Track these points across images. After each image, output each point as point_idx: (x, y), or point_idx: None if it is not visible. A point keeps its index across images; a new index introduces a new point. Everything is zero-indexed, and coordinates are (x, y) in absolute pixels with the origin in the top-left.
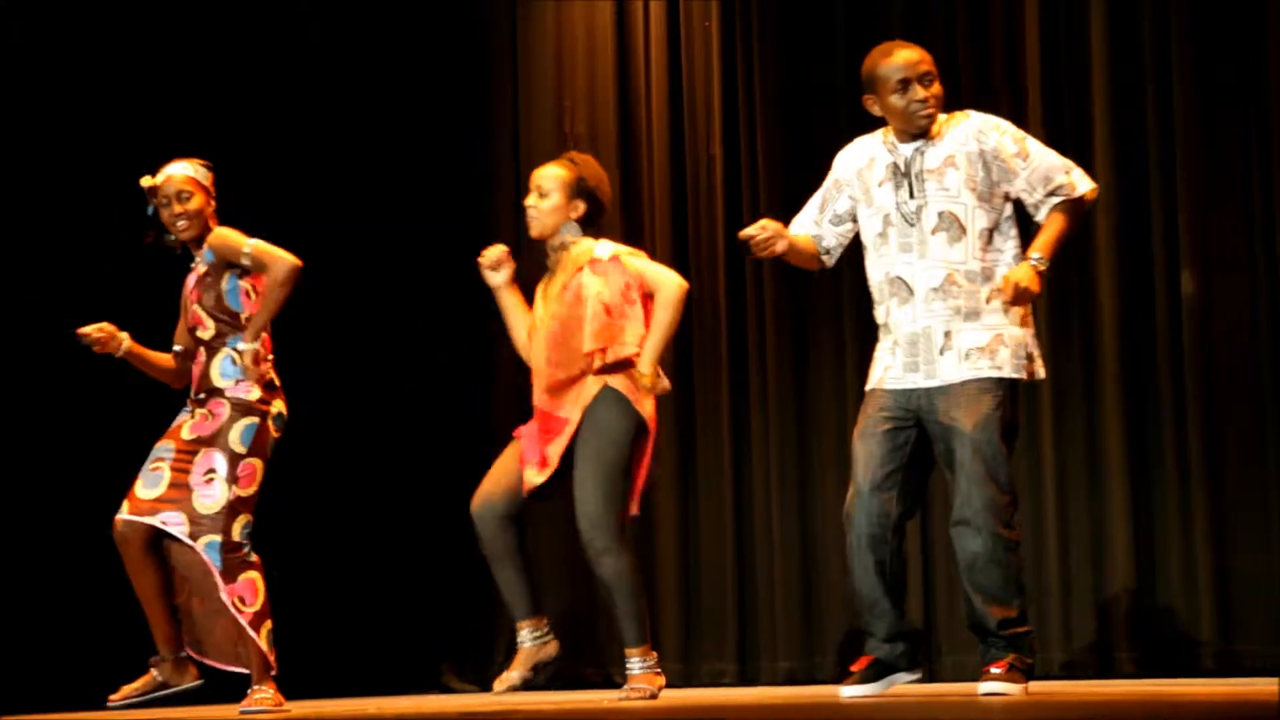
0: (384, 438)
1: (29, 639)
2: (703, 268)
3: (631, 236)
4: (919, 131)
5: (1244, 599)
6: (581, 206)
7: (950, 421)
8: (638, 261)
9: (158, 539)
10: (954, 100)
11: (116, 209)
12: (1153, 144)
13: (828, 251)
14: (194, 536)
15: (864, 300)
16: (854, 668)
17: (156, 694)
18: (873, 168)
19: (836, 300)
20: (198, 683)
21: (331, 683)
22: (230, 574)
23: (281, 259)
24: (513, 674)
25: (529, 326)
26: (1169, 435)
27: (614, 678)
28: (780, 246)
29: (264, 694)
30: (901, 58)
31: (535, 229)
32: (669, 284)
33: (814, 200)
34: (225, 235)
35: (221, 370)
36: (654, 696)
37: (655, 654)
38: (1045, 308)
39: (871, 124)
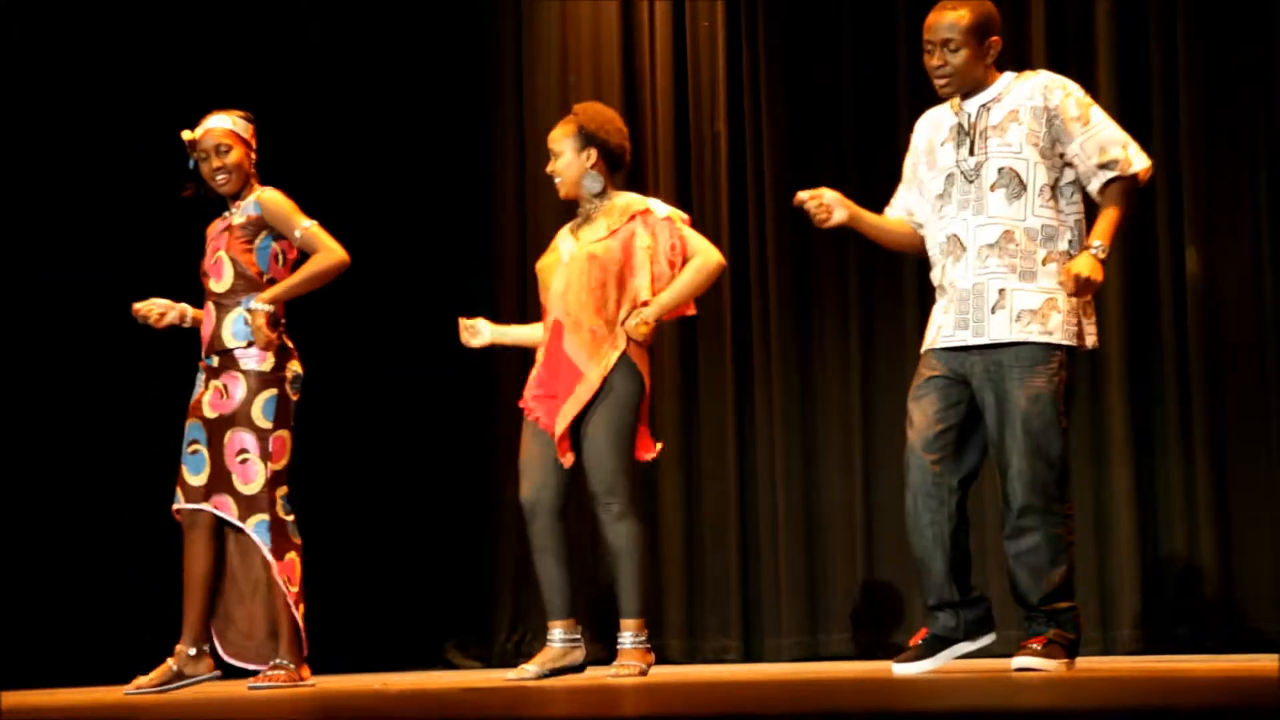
0: (387, 416)
1: (34, 616)
2: None
3: None
4: (944, 98)
5: (1247, 576)
6: (594, 153)
7: (1003, 395)
8: (687, 229)
9: (220, 526)
10: None
11: (115, 203)
12: (1157, 123)
13: (921, 225)
14: (243, 519)
15: (868, 276)
16: (911, 642)
17: (173, 685)
18: (938, 130)
19: (841, 276)
20: (215, 674)
21: (337, 659)
22: (279, 553)
23: (333, 251)
24: (530, 667)
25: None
26: (1173, 415)
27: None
28: (839, 217)
29: (278, 670)
30: (928, 20)
31: (562, 189)
32: (710, 253)
33: (904, 176)
34: (281, 203)
35: (234, 330)
36: (644, 674)
37: (647, 630)
38: None
39: (874, 101)
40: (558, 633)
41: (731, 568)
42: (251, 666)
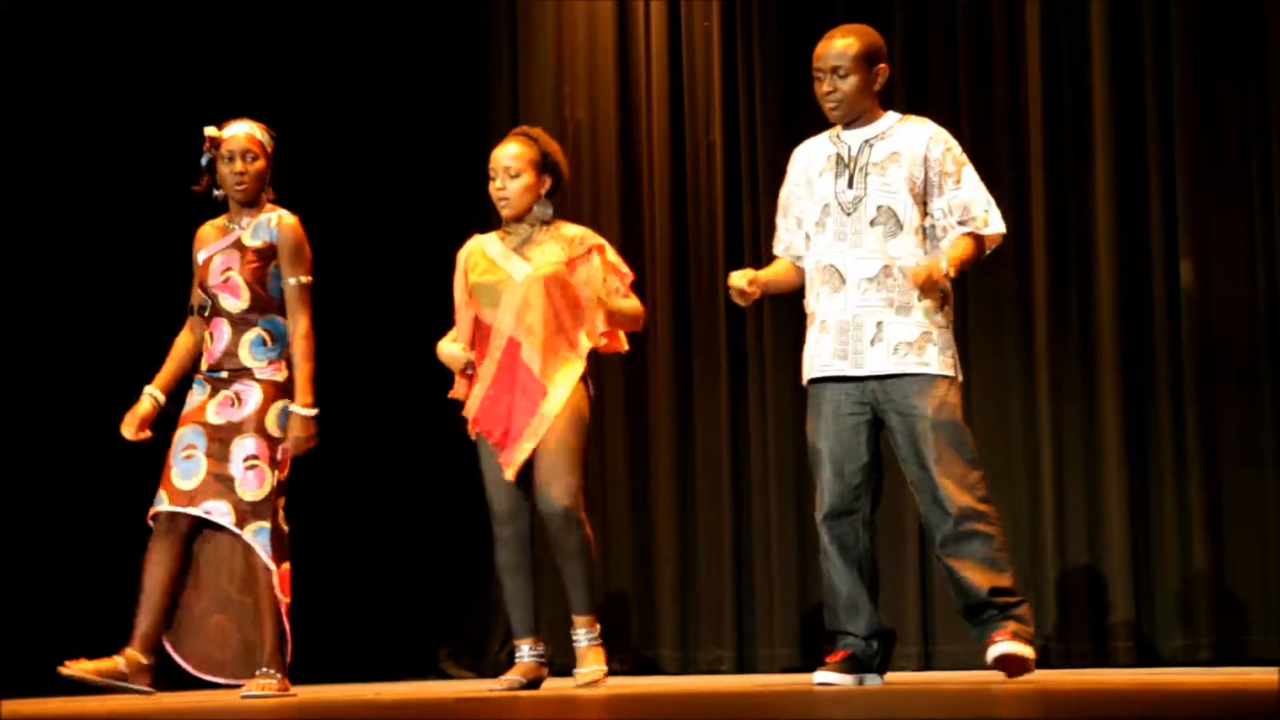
0: (379, 425)
1: (33, 624)
2: (701, 253)
3: (630, 222)
4: (834, 122)
5: (1241, 588)
6: (549, 181)
7: (909, 409)
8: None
9: (192, 534)
10: (953, 92)
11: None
12: (1152, 135)
13: (800, 258)
14: (240, 524)
15: None
16: (829, 659)
17: (109, 682)
18: (815, 160)
19: None
20: (148, 690)
21: (329, 669)
22: (277, 561)
23: (307, 321)
24: (517, 677)
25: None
26: (1166, 425)
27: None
28: (752, 296)
29: (269, 680)
30: (817, 49)
31: (509, 210)
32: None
33: (780, 208)
34: (298, 240)
35: (252, 349)
36: (606, 674)
37: (599, 625)
38: (1044, 298)
39: None
40: (526, 649)
41: (726, 578)
42: (221, 680)
